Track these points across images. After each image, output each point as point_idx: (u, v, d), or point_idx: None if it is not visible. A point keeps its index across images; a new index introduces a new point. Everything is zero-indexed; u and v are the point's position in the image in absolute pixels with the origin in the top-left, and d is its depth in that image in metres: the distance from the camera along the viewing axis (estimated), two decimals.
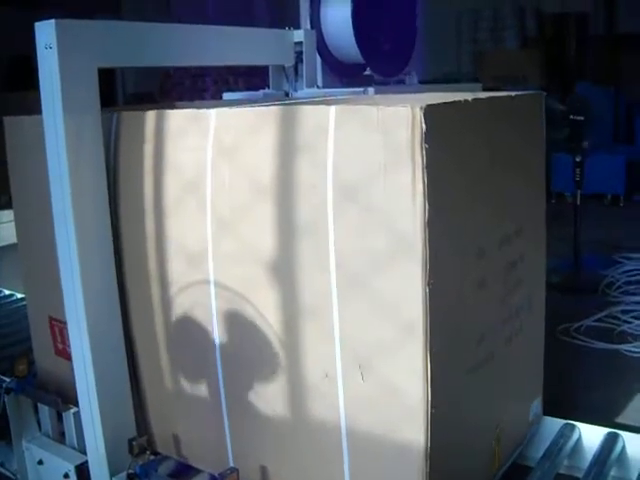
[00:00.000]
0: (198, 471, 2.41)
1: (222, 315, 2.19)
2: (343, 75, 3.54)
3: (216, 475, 2.17)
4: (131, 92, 11.37)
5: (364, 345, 1.88)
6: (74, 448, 2.62)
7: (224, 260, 2.14)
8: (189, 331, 2.30)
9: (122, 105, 10.52)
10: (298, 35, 3.06)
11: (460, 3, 10.27)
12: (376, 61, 3.44)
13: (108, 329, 2.39)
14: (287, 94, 3.13)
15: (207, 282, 2.19)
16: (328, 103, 1.88)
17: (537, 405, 2.62)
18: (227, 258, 2.13)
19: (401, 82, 3.81)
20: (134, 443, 2.31)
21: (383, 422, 1.90)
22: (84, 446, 2.49)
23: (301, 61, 3.08)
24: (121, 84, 11.39)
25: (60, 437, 2.71)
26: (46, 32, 2.12)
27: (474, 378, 2.08)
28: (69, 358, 2.45)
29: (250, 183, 2.02)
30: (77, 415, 2.54)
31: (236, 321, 2.15)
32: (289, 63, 3.07)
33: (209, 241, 2.15)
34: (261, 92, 3.20)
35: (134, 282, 2.42)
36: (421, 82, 4.49)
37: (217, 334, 2.21)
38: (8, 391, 2.67)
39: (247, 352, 2.16)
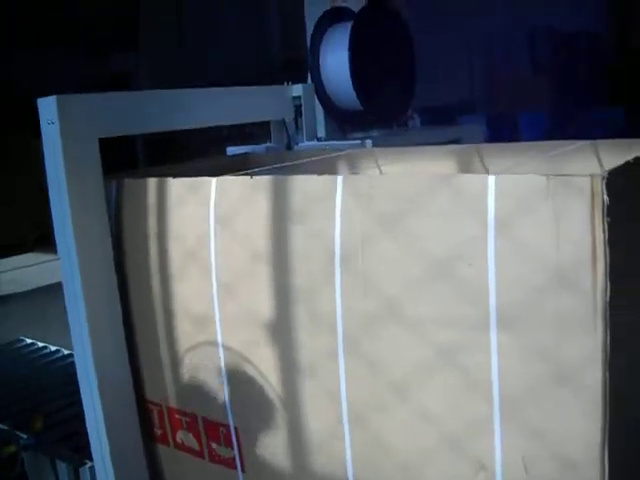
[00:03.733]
0: None
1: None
2: (346, 122, 3.61)
3: None
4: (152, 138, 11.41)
5: (529, 433, 1.70)
6: None
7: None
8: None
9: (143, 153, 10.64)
10: (297, 90, 3.16)
11: (468, 28, 10.22)
12: (376, 107, 3.51)
13: (118, 387, 2.47)
14: (289, 147, 3.21)
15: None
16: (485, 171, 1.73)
17: None
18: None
19: (404, 125, 3.89)
20: None
21: None
22: None
23: (301, 114, 3.18)
24: None
25: None
26: (48, 108, 2.22)
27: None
28: (162, 442, 2.58)
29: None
30: (93, 469, 2.61)
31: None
32: (289, 117, 3.17)
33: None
34: (264, 146, 3.29)
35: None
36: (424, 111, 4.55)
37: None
38: (26, 448, 2.75)
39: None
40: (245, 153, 3.21)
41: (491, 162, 2.55)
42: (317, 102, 3.41)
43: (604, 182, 1.49)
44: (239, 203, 2.10)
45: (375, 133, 3.56)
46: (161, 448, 2.59)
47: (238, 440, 2.30)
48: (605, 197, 1.50)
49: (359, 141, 3.16)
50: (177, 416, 2.48)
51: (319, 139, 3.30)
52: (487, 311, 1.68)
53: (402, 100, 3.71)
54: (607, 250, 1.52)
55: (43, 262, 8.34)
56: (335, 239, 1.89)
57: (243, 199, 2.09)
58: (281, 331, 2.07)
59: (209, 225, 2.17)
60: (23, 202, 8.66)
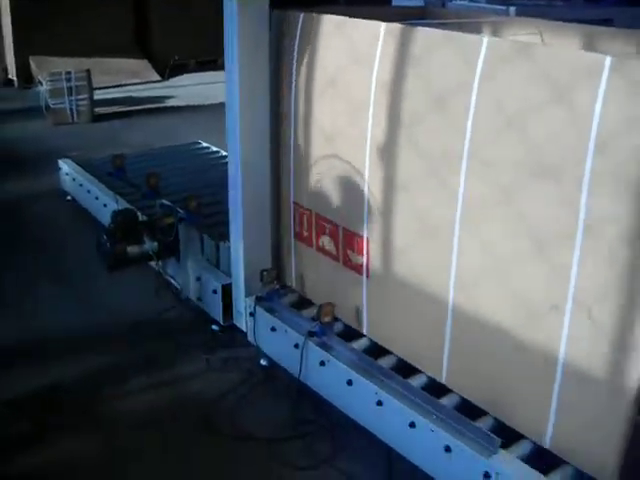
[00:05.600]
0: (312, 304, 3.04)
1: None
2: None
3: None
4: None
5: (594, 288, 2.04)
6: (224, 272, 3.32)
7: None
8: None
9: None
10: None
11: None
12: None
13: (259, 190, 3.04)
14: (443, 4, 3.54)
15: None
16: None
17: None
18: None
19: None
20: (265, 273, 2.97)
21: (600, 362, 2.07)
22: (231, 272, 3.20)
23: None
24: None
25: (216, 262, 3.43)
26: None
27: None
28: (303, 240, 3.07)
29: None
30: (229, 248, 3.22)
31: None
32: None
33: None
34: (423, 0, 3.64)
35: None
36: None
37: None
38: (181, 220, 3.38)
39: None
40: (404, 6, 3.56)
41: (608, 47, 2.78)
42: None
43: None
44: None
45: (513, 7, 3.74)
46: (306, 248, 3.08)
47: (368, 250, 2.74)
48: None
49: (504, 7, 3.44)
50: (322, 223, 2.94)
51: (471, 0, 3.61)
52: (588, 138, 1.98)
53: None
54: None
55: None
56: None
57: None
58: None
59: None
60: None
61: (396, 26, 2.47)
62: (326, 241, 2.93)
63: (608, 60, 1.92)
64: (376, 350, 2.80)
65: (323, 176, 2.88)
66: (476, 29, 3.04)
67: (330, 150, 2.81)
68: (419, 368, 2.65)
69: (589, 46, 2.79)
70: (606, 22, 3.68)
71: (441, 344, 2.52)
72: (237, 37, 2.76)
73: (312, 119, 2.87)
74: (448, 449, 2.32)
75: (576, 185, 2.02)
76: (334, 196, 2.85)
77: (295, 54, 2.84)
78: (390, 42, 2.47)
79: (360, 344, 2.83)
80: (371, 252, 2.73)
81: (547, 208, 2.11)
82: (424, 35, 2.38)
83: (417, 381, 2.61)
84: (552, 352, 2.17)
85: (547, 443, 2.26)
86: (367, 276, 2.78)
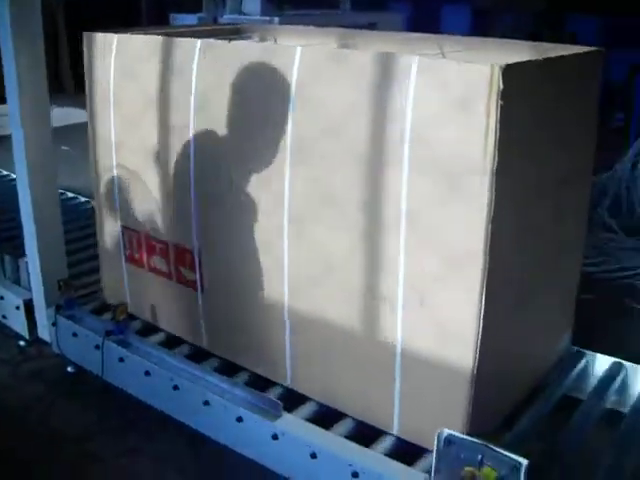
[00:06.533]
0: (109, 307, 3.15)
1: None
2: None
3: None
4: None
5: (423, 275, 2.14)
6: (26, 288, 3.41)
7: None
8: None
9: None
10: None
11: None
12: None
13: (48, 208, 3.16)
14: (215, 19, 3.76)
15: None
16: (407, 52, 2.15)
17: (567, 337, 2.88)
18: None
19: (335, 7, 4.42)
20: (62, 283, 3.10)
21: (436, 347, 2.19)
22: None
23: None
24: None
25: (18, 280, 3.50)
26: None
27: (518, 311, 2.36)
28: (135, 262, 3.08)
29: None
30: (27, 263, 3.32)
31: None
32: None
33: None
34: (196, 16, 3.84)
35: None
36: None
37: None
38: None
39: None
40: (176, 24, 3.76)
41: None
42: None
43: (500, 71, 1.86)
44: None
45: (277, 18, 3.97)
46: (138, 269, 3.10)
47: (200, 264, 2.81)
48: (501, 84, 1.86)
49: (268, 18, 3.70)
50: (152, 243, 2.98)
51: (241, 13, 3.84)
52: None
53: None
54: (498, 126, 1.91)
55: None
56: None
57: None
58: None
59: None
60: None
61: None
62: (157, 260, 2.99)
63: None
64: (173, 342, 3.01)
65: (144, 195, 2.92)
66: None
67: (142, 168, 2.88)
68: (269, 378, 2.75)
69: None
70: (370, 26, 4.02)
71: (282, 349, 2.63)
72: (14, 59, 2.88)
73: (119, 141, 2.95)
74: (240, 419, 2.52)
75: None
76: (159, 214, 2.90)
77: (109, 74, 2.88)
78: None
79: (157, 338, 3.03)
80: (203, 265, 2.80)
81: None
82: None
83: (210, 364, 2.82)
84: (385, 340, 2.31)
85: (395, 430, 2.41)
86: (202, 290, 2.85)
